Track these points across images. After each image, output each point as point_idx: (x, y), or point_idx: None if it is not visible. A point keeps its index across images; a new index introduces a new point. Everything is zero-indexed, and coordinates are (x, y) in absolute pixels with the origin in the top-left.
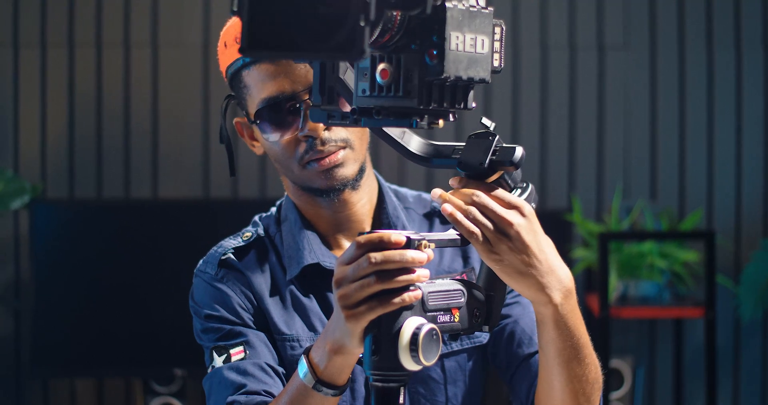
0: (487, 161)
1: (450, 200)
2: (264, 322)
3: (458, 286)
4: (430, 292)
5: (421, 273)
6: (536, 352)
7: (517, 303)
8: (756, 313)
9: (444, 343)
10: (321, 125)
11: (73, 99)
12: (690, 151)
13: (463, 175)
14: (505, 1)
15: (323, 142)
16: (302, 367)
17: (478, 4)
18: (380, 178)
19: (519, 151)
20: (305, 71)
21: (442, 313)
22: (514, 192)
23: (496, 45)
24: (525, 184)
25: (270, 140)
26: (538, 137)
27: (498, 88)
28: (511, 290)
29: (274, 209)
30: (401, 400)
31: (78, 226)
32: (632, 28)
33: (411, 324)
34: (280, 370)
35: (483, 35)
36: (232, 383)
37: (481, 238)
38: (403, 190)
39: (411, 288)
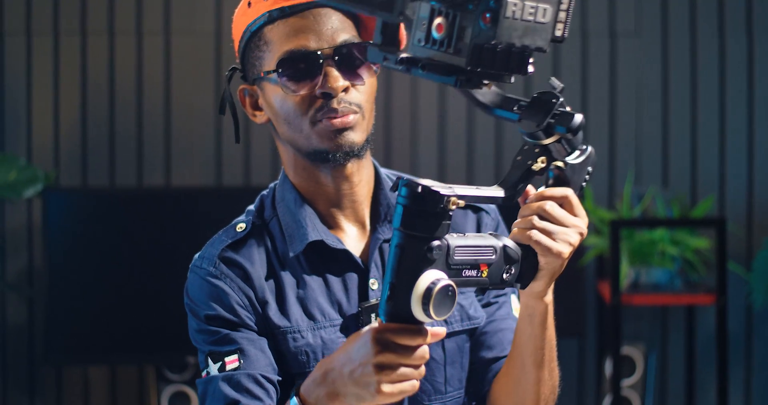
0: (544, 124)
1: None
2: (263, 317)
3: (491, 241)
4: (457, 246)
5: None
6: (501, 357)
7: (499, 306)
8: None
9: (445, 321)
10: (339, 84)
11: (85, 87)
12: (702, 137)
13: (522, 132)
14: None
15: (339, 101)
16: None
17: None
18: (376, 163)
19: (578, 118)
20: (332, 31)
21: (468, 267)
22: (572, 154)
23: (561, 15)
24: (585, 147)
25: (284, 94)
26: None
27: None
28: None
29: (265, 192)
30: None
31: (91, 214)
32: (644, 14)
33: (428, 277)
34: (275, 378)
35: (545, 4)
36: (225, 397)
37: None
38: (395, 174)
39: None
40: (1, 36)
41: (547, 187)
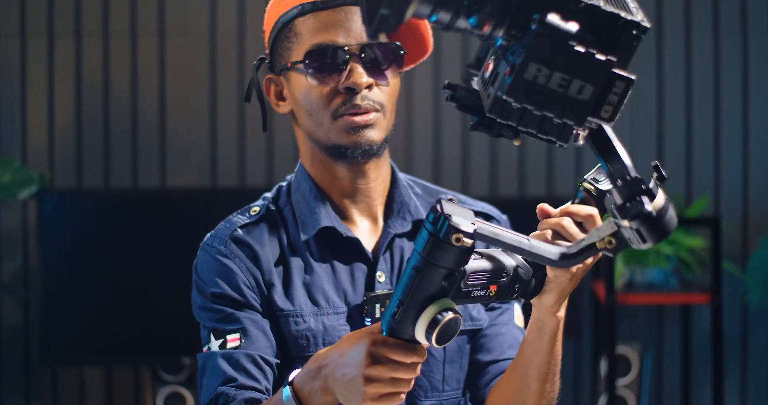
0: (618, 205)
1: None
2: (268, 299)
3: (506, 261)
4: (472, 272)
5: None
6: (499, 360)
7: (502, 311)
8: (763, 298)
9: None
10: (363, 81)
11: (80, 89)
12: (697, 137)
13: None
14: None
15: (362, 98)
16: (286, 395)
17: (601, 51)
18: (394, 165)
19: (647, 208)
20: (361, 29)
21: (478, 289)
22: (602, 176)
23: (612, 98)
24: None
25: (310, 85)
26: None
27: None
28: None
29: (283, 184)
30: None
31: (86, 215)
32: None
33: (438, 306)
34: (273, 360)
35: (585, 81)
36: (223, 373)
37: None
38: (412, 179)
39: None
40: None
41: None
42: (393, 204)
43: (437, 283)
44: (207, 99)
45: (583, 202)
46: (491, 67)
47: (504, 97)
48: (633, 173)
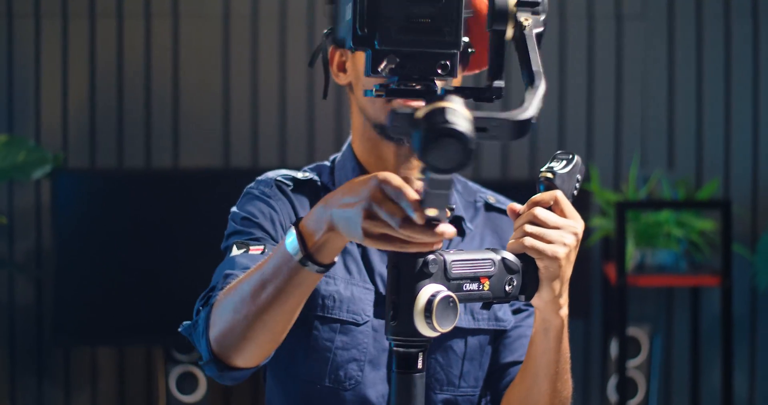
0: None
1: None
2: None
3: (489, 255)
4: (453, 261)
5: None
6: (520, 362)
7: (529, 314)
8: None
9: (472, 316)
10: None
11: (94, 69)
12: (707, 120)
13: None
14: None
15: None
16: (291, 239)
17: None
18: None
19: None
20: None
21: (468, 281)
22: (559, 163)
23: None
24: (571, 156)
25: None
26: (557, 106)
27: (516, 57)
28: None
29: (327, 163)
30: (420, 365)
31: (99, 195)
32: None
33: (427, 291)
34: None
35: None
36: (239, 263)
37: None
38: (455, 176)
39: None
40: (9, 18)
41: None
42: None
43: (419, 269)
44: (220, 79)
45: (547, 191)
46: None
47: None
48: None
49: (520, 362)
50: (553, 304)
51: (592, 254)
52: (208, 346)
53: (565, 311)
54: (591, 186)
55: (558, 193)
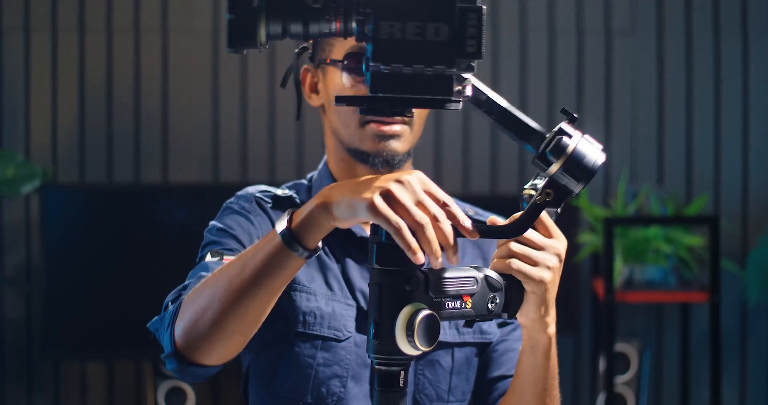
0: (539, 152)
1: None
2: None
3: (471, 272)
4: (435, 279)
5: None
6: (508, 376)
7: (514, 327)
8: (762, 297)
9: (457, 330)
10: None
11: (83, 83)
12: (697, 135)
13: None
14: None
15: None
16: (280, 224)
17: None
18: None
19: (563, 141)
20: None
21: (450, 299)
22: (542, 180)
23: (471, 30)
24: None
25: (347, 85)
26: (546, 122)
27: (505, 72)
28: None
29: (304, 181)
30: (401, 384)
31: (89, 210)
32: (639, 12)
33: (409, 309)
34: None
35: (437, 22)
36: (212, 268)
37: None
38: None
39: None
40: None
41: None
42: None
43: (401, 288)
44: (209, 94)
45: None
46: (362, 61)
47: (371, 64)
48: (540, 127)
49: (507, 376)
50: (540, 322)
51: (582, 270)
52: (172, 338)
53: (552, 329)
54: (579, 202)
55: (542, 215)
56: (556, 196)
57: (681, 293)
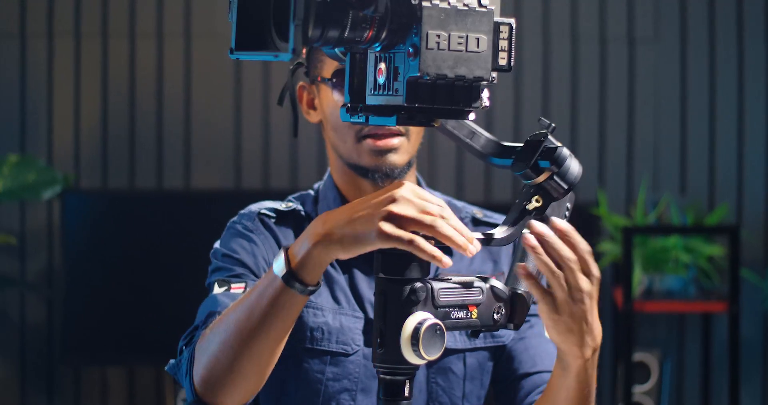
0: (532, 162)
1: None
2: None
3: (477, 283)
4: (441, 289)
5: (472, 247)
6: (532, 373)
7: (531, 325)
8: None
9: (468, 338)
10: None
11: (106, 89)
12: (720, 144)
13: (518, 176)
14: None
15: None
16: (278, 262)
17: (478, 3)
18: (421, 179)
19: (561, 151)
20: None
21: (456, 309)
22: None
23: (502, 43)
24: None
25: (339, 101)
26: (568, 129)
27: (528, 80)
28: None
29: (311, 191)
30: (406, 393)
31: (110, 215)
32: (663, 20)
33: (414, 318)
34: None
35: (478, 33)
36: (221, 302)
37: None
38: (438, 194)
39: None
40: (22, 38)
41: None
42: None
43: (406, 297)
44: (232, 100)
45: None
46: (383, 70)
47: (417, 73)
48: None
49: (530, 374)
50: (574, 351)
51: (603, 279)
52: (192, 386)
53: (587, 354)
54: (599, 210)
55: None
56: (544, 202)
57: (700, 303)
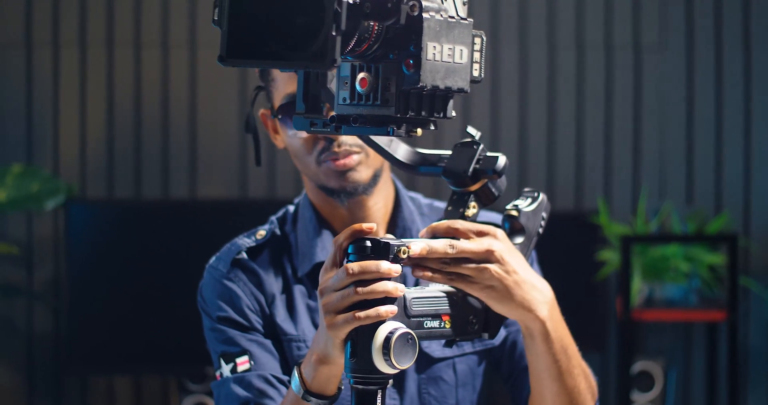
0: (470, 170)
1: (423, 272)
2: (272, 323)
3: (451, 293)
4: (413, 298)
5: (399, 287)
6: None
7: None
8: None
9: (456, 345)
10: None
11: (111, 99)
12: (726, 152)
13: (448, 182)
14: (541, 1)
15: (339, 144)
16: (294, 380)
17: (457, 14)
18: (398, 184)
19: (502, 160)
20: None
21: (429, 318)
22: (524, 200)
23: (476, 55)
24: (536, 194)
25: (290, 135)
26: (574, 137)
27: (534, 88)
28: None
29: (291, 207)
30: (378, 403)
31: (116, 225)
32: (669, 27)
33: (386, 328)
34: (285, 378)
35: (461, 45)
36: (237, 398)
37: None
38: (419, 198)
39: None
40: (28, 47)
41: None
42: (396, 229)
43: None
44: (237, 110)
45: (512, 229)
46: (368, 80)
47: (419, 85)
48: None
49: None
50: (525, 315)
51: (607, 288)
52: None
53: (543, 313)
54: (600, 219)
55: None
56: (479, 209)
57: (700, 312)
